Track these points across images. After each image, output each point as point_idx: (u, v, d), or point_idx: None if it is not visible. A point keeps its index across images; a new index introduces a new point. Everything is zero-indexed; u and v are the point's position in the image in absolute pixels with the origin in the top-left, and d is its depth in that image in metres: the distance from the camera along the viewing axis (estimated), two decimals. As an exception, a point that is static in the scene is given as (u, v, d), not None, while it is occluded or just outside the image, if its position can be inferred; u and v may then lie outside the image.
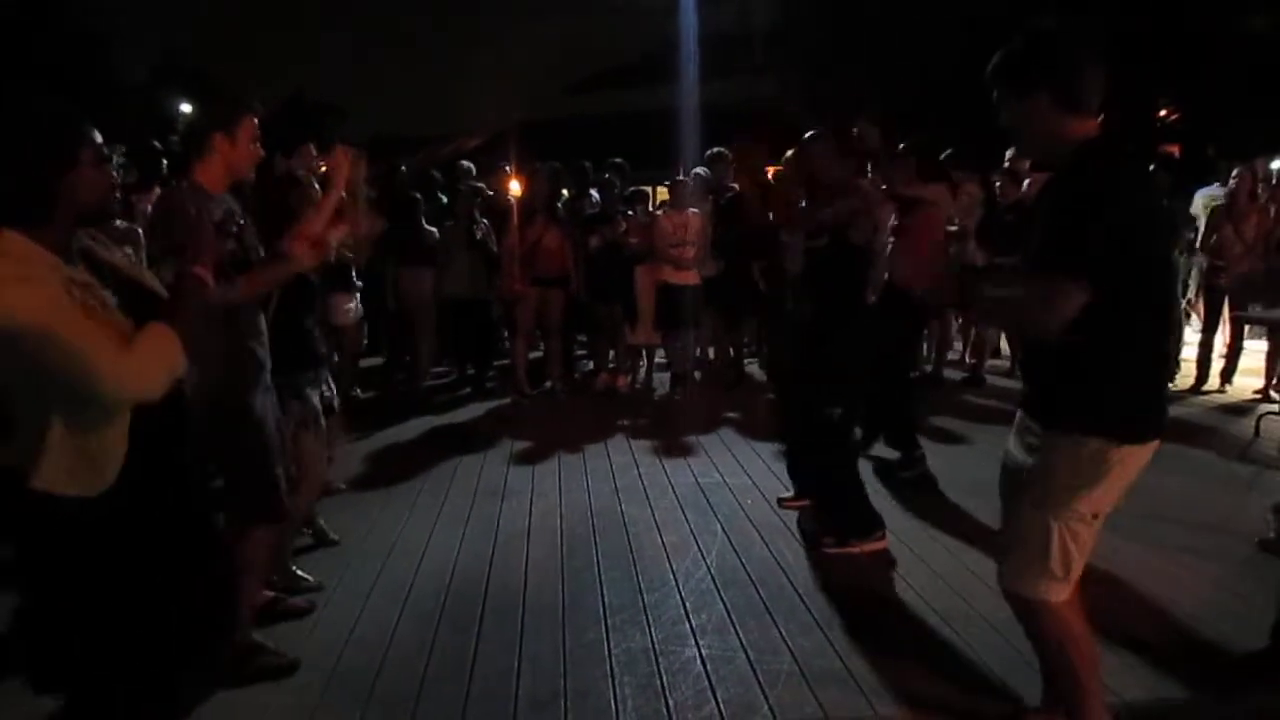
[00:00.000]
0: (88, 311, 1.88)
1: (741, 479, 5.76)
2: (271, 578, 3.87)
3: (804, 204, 4.75)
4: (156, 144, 4.56)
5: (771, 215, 6.15)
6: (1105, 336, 2.37)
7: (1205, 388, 8.24)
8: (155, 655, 2.06)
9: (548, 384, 8.69)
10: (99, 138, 2.03)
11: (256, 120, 3.27)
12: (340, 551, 4.59)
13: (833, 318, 4.53)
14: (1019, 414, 2.80)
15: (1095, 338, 2.36)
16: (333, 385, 4.29)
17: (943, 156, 8.28)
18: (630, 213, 8.57)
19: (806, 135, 4.67)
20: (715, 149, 9.10)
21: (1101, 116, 2.46)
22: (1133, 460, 2.48)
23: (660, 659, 3.50)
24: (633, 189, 9.15)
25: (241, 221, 3.26)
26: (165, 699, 2.15)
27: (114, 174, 2.12)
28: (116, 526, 2.00)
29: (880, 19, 17.99)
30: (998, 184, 8.63)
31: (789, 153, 4.99)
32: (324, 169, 3.73)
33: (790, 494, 5.25)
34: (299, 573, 4.21)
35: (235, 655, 3.24)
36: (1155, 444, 2.52)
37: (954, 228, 7.63)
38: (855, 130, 5.72)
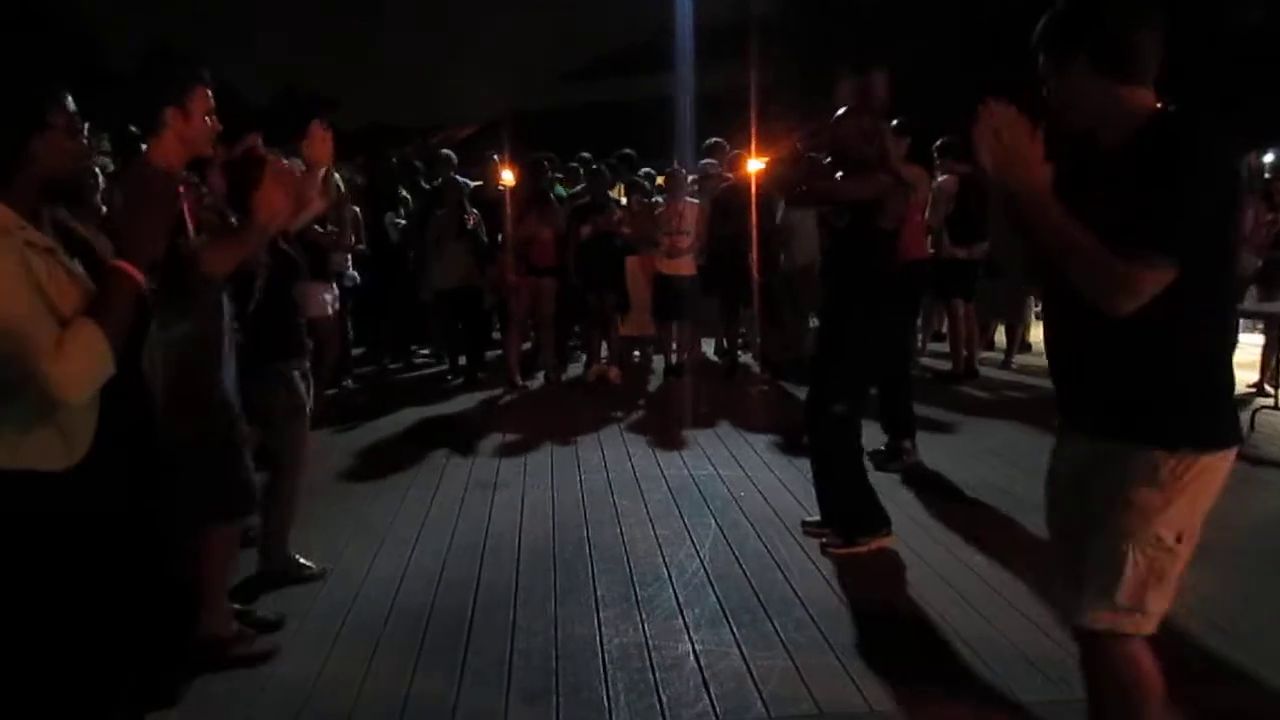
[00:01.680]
0: (44, 286, 1.83)
1: (735, 471, 5.72)
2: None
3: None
4: (134, 129, 4.46)
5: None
6: (1183, 328, 2.11)
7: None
8: (103, 648, 2.00)
9: (540, 375, 8.65)
10: (72, 105, 1.97)
11: (210, 91, 3.09)
12: (330, 545, 4.51)
13: (846, 305, 4.42)
14: (1060, 430, 2.46)
15: (1171, 329, 2.10)
16: (309, 378, 4.19)
17: (938, 144, 8.26)
18: (622, 202, 8.53)
19: (837, 112, 4.51)
20: (713, 139, 9.06)
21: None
22: (1215, 471, 2.17)
23: (653, 654, 3.45)
24: (630, 178, 9.12)
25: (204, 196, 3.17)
26: (106, 698, 2.08)
27: (86, 143, 2.04)
28: (84, 506, 1.95)
29: (875, 5, 17.91)
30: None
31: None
32: (304, 149, 3.61)
33: (815, 520, 4.71)
34: (300, 560, 4.17)
35: (209, 649, 3.18)
36: (1235, 451, 2.21)
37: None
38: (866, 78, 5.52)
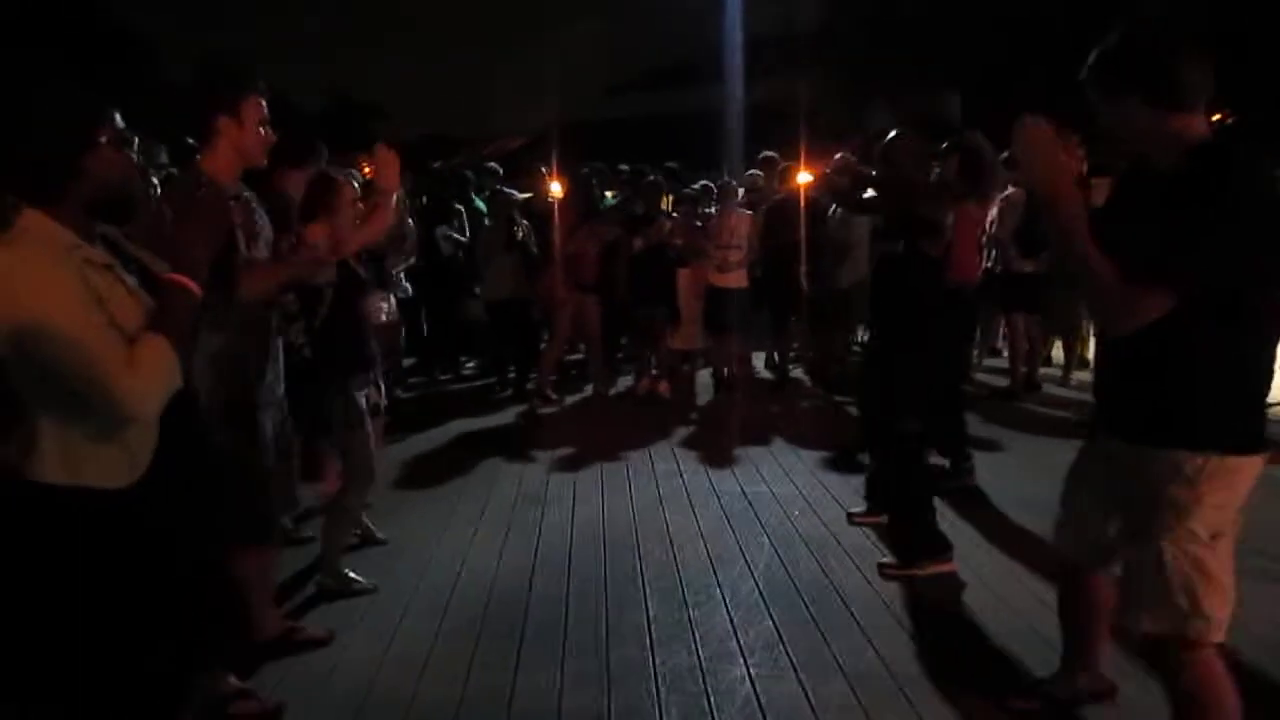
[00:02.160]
0: (106, 302, 1.82)
1: (788, 489, 5.61)
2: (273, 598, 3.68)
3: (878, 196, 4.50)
4: (191, 141, 4.48)
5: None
6: (1215, 343, 2.28)
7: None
8: (158, 660, 1.97)
9: (588, 388, 8.60)
10: (120, 121, 1.95)
11: (264, 101, 3.04)
12: (378, 561, 4.49)
13: (899, 330, 4.34)
14: (1093, 440, 2.68)
15: (1204, 344, 2.27)
16: (382, 386, 4.21)
17: (1004, 157, 8.10)
18: (674, 214, 8.46)
19: (893, 132, 4.44)
20: (765, 153, 8.97)
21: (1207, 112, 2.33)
22: (1240, 473, 2.33)
23: (707, 678, 3.36)
24: (684, 190, 9.07)
25: (258, 218, 3.14)
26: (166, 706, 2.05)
27: (133, 158, 2.02)
28: (144, 522, 1.93)
29: (920, 19, 17.74)
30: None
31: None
32: (368, 171, 3.59)
33: (861, 509, 5.01)
34: (351, 575, 4.14)
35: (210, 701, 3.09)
36: (1261, 458, 2.35)
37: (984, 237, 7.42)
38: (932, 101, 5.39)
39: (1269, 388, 2.42)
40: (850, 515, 4.99)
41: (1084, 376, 8.82)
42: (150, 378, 1.83)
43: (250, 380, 3.13)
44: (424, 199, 9.18)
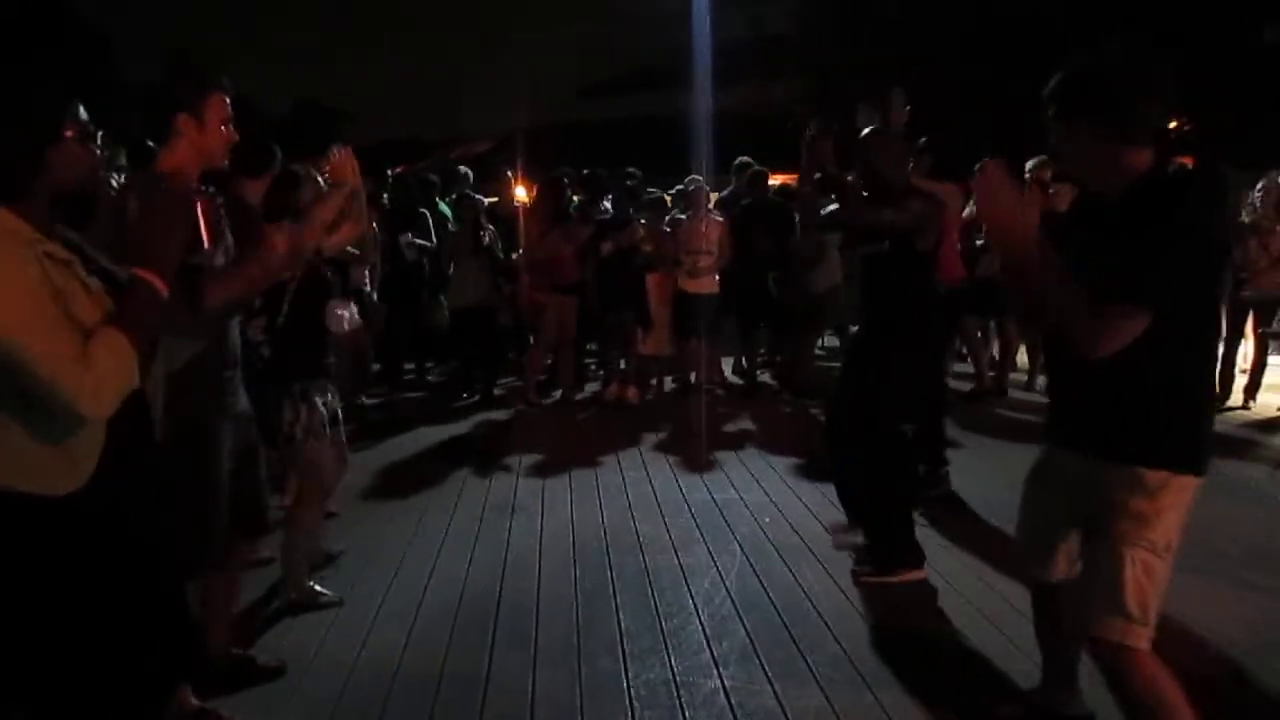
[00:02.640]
0: (63, 297, 1.75)
1: (758, 496, 5.57)
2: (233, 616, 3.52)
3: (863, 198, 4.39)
4: (151, 144, 4.35)
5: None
6: (1172, 365, 2.35)
7: (1228, 404, 8.03)
8: (115, 674, 1.89)
9: (556, 394, 8.53)
10: (84, 114, 1.88)
11: (227, 99, 2.93)
12: (343, 572, 4.40)
13: (894, 329, 4.24)
14: (1047, 449, 2.75)
15: (1162, 366, 2.34)
16: (335, 395, 4.07)
17: (978, 167, 8.16)
18: (644, 220, 8.41)
19: (869, 130, 4.39)
20: (741, 159, 8.92)
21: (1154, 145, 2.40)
22: (1186, 491, 2.42)
23: (682, 691, 3.31)
24: (650, 196, 9.02)
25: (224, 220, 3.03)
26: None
27: (97, 153, 1.94)
28: (87, 529, 1.85)
29: (892, 23, 17.83)
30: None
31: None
32: (327, 172, 3.47)
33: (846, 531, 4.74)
34: (318, 588, 4.05)
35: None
36: (1199, 480, 2.44)
37: (980, 241, 7.47)
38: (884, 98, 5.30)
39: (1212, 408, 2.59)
40: (855, 573, 4.46)
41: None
42: (105, 374, 1.75)
43: (207, 392, 3.01)
44: (385, 200, 9.05)
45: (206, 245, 2.17)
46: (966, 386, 8.52)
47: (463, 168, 9.81)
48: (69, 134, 1.84)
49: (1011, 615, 3.80)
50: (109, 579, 1.88)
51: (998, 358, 8.68)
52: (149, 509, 2.02)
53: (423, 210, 9.05)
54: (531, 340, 8.76)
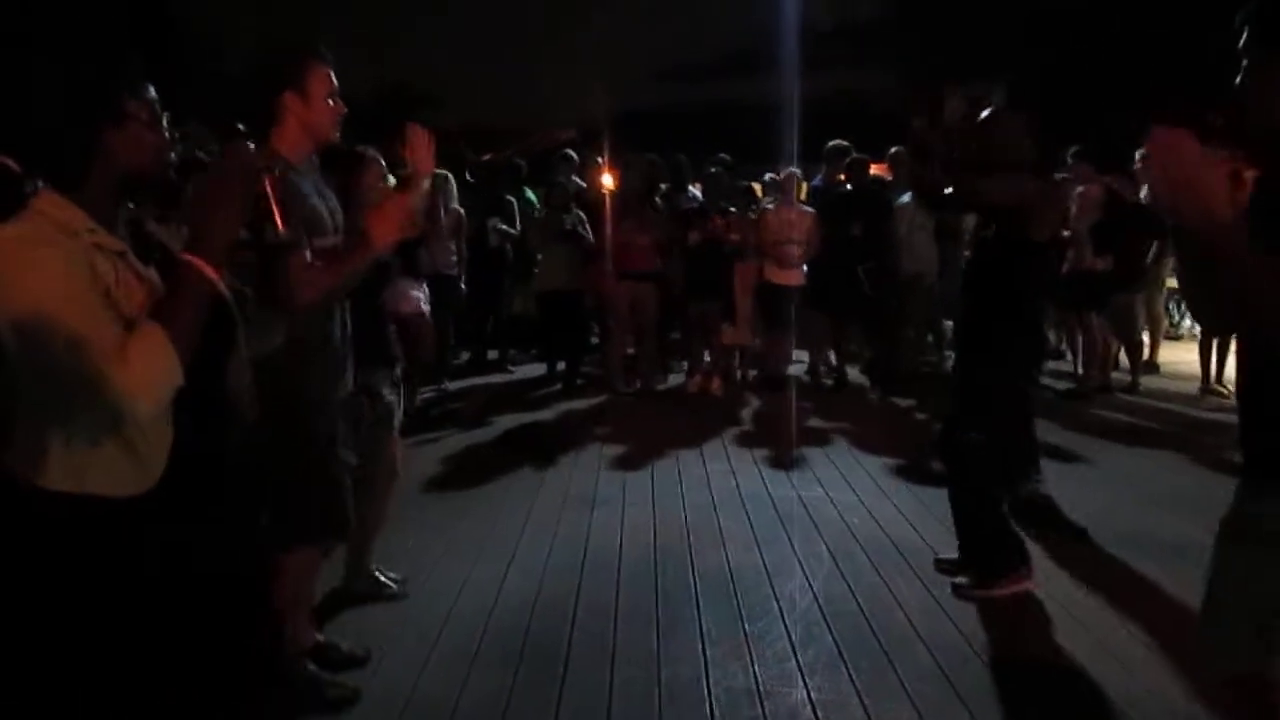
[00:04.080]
0: (113, 289, 1.67)
1: (847, 495, 5.38)
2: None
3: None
4: (240, 127, 4.31)
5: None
6: None
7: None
8: (175, 690, 1.81)
9: (638, 384, 8.42)
10: (153, 94, 1.78)
11: (331, 72, 2.84)
12: (419, 563, 4.32)
13: (991, 324, 3.92)
14: (1253, 496, 2.05)
15: None
16: (399, 384, 3.97)
17: (1073, 151, 7.86)
18: (732, 209, 8.24)
19: (991, 107, 4.09)
20: (836, 143, 8.61)
21: None
22: None
23: (765, 701, 3.16)
24: (743, 184, 8.85)
25: (331, 204, 2.95)
26: None
27: (168, 135, 1.83)
28: (156, 534, 1.76)
29: (981, 12, 17.34)
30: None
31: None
32: (406, 154, 3.34)
33: (951, 557, 4.29)
34: (381, 577, 3.99)
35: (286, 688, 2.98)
36: None
37: (1066, 233, 7.25)
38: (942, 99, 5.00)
39: None
40: (938, 562, 4.35)
41: (1153, 383, 8.49)
42: (141, 369, 1.64)
43: (318, 375, 2.92)
44: (469, 177, 9.02)
45: (280, 226, 2.06)
46: (1064, 385, 8.19)
47: (564, 150, 9.74)
48: (136, 115, 1.75)
49: (1113, 628, 3.58)
50: (178, 582, 1.80)
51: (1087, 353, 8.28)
52: (229, 507, 1.94)
53: (509, 197, 9.01)
54: (610, 328, 8.67)
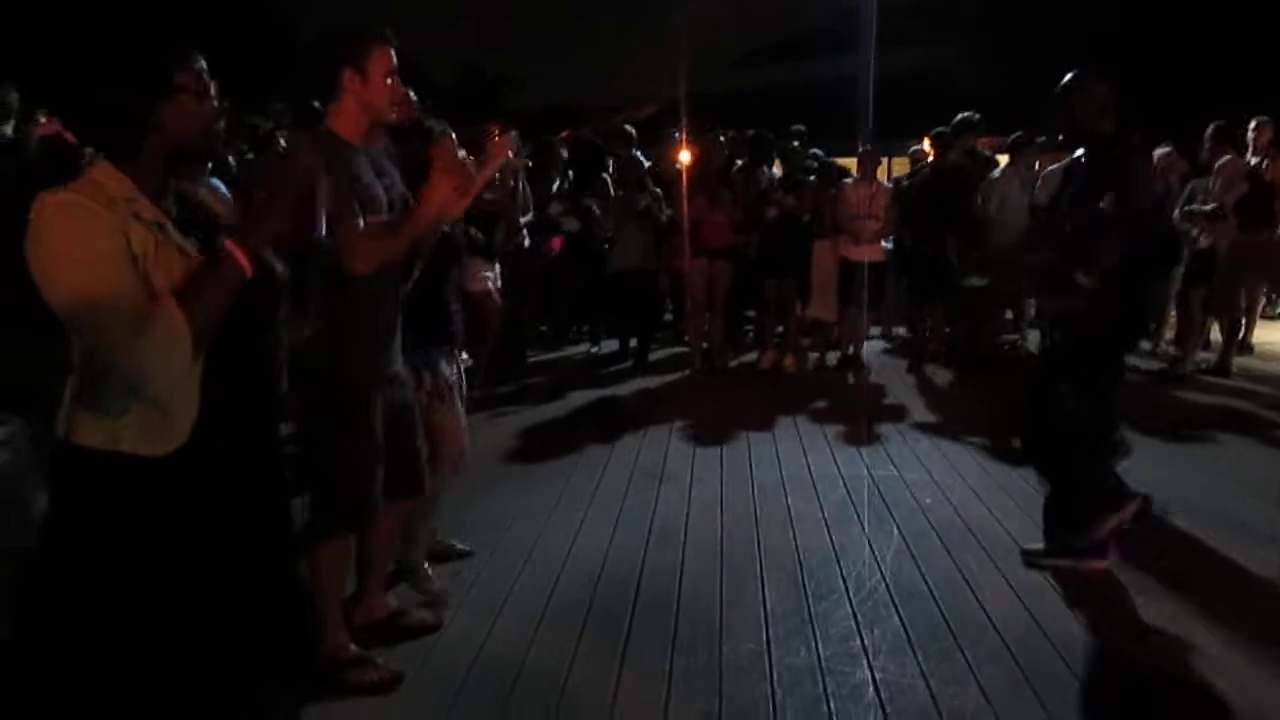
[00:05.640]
0: (144, 259, 1.71)
1: (919, 474, 5.26)
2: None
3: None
4: (316, 105, 4.35)
5: None
6: None
7: None
8: (207, 659, 1.85)
9: (712, 361, 8.37)
10: (203, 65, 1.80)
11: (392, 52, 2.82)
12: (485, 534, 4.34)
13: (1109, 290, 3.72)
14: None
15: None
16: (460, 364, 3.92)
17: (1211, 128, 7.80)
18: (811, 179, 8.13)
19: (1067, 78, 3.92)
20: (966, 115, 8.25)
21: None
22: None
23: (827, 679, 3.11)
24: (824, 162, 8.72)
25: (388, 181, 2.95)
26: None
27: (217, 106, 1.85)
28: (182, 495, 1.80)
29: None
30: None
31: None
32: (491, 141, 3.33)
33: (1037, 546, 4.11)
34: (455, 544, 4.06)
35: (326, 669, 3.00)
36: None
37: (1209, 206, 7.35)
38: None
39: None
40: (1024, 552, 4.14)
41: (1247, 364, 8.17)
42: (153, 343, 1.69)
43: (362, 359, 2.92)
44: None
45: (322, 226, 2.09)
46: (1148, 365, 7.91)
47: (628, 126, 9.70)
48: (186, 86, 1.77)
49: (1194, 619, 3.45)
50: (204, 544, 1.83)
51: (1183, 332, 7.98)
52: (254, 471, 1.97)
53: (603, 175, 8.95)
54: (688, 305, 8.61)
